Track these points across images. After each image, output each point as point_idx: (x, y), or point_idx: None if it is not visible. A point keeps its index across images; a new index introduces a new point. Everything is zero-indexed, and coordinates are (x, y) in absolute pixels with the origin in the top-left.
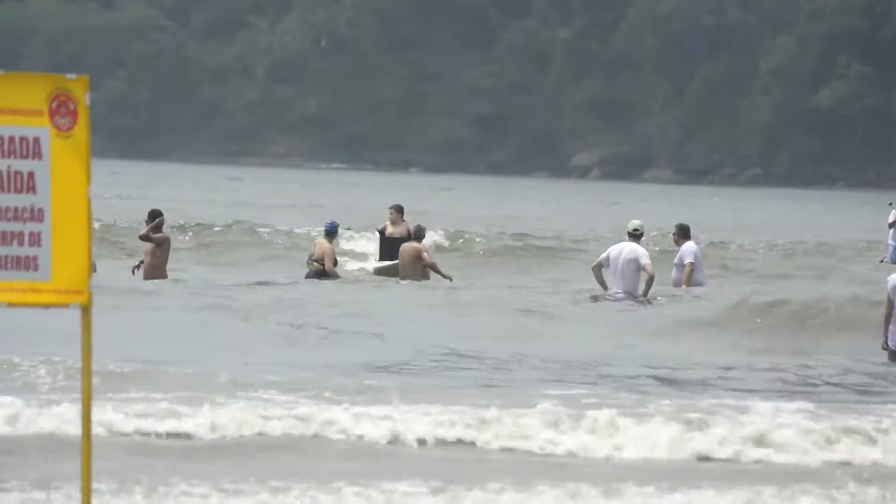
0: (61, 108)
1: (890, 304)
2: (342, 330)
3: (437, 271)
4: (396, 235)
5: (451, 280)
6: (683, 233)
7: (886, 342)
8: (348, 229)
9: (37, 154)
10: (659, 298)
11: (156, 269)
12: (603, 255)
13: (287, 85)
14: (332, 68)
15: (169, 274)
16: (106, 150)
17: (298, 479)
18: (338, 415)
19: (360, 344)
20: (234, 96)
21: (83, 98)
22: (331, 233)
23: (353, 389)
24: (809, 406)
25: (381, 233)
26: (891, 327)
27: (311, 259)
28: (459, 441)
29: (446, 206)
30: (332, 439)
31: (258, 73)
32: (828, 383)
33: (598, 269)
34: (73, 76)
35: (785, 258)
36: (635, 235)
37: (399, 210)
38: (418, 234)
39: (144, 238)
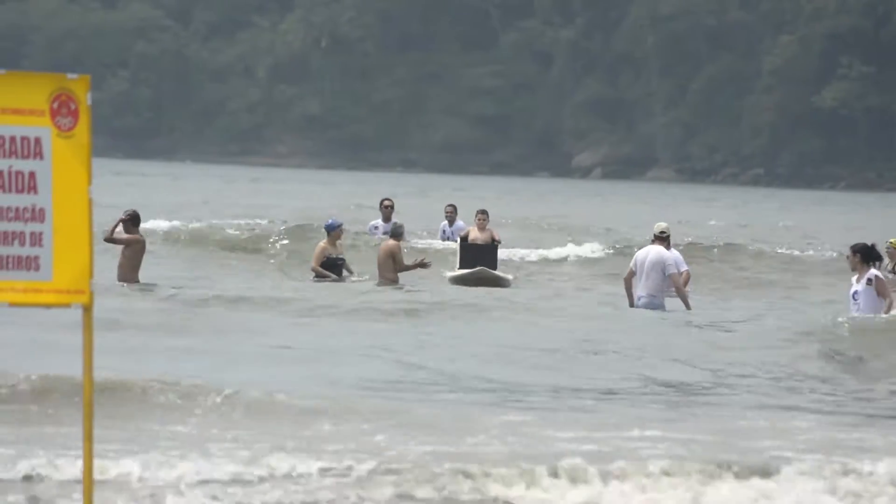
0: (63, 108)
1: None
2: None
3: (405, 268)
4: (480, 241)
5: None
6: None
7: None
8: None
9: (38, 154)
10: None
11: (123, 269)
12: (632, 263)
13: (289, 85)
14: (333, 68)
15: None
16: (108, 150)
17: None
18: None
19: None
20: (236, 96)
21: (84, 98)
22: (328, 231)
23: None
24: None
25: (464, 239)
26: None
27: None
28: None
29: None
30: None
31: (260, 73)
32: None
33: (630, 279)
34: (75, 76)
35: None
36: (662, 238)
37: (486, 214)
38: (396, 232)
39: (108, 240)
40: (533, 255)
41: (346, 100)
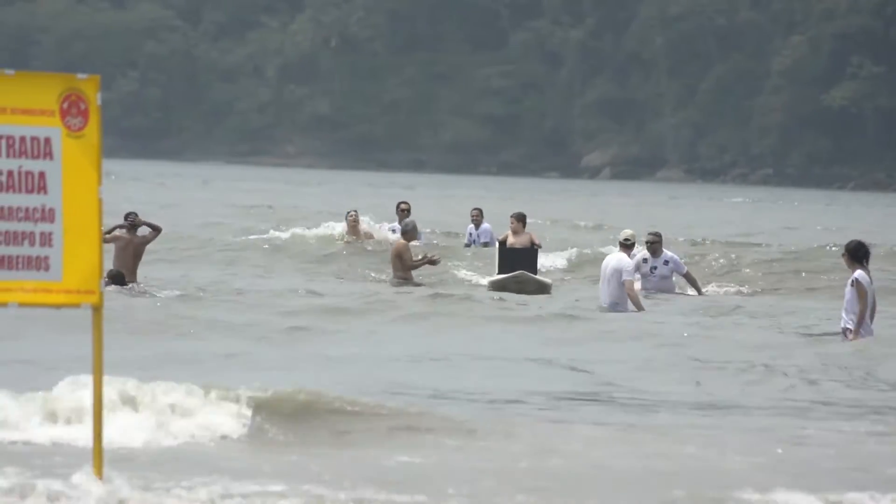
0: (72, 108)
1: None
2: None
3: (413, 266)
4: (518, 246)
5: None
6: (658, 240)
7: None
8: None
9: (48, 154)
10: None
11: (117, 263)
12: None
13: (298, 85)
14: (343, 68)
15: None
16: (117, 150)
17: None
18: None
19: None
20: (245, 96)
21: (94, 98)
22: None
23: None
24: None
25: (502, 243)
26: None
27: None
28: None
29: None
30: None
31: (269, 74)
32: None
33: None
34: (84, 76)
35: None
36: (626, 245)
37: (520, 219)
38: (405, 230)
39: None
40: (549, 255)
41: (356, 100)
